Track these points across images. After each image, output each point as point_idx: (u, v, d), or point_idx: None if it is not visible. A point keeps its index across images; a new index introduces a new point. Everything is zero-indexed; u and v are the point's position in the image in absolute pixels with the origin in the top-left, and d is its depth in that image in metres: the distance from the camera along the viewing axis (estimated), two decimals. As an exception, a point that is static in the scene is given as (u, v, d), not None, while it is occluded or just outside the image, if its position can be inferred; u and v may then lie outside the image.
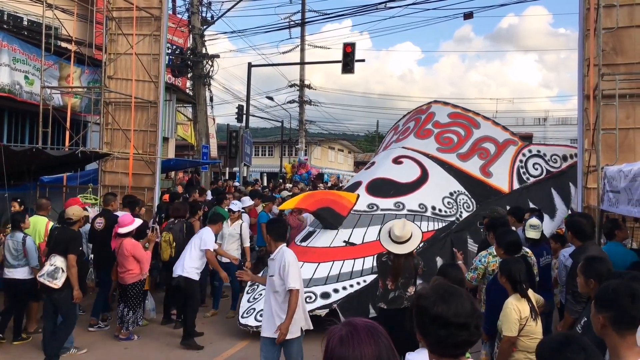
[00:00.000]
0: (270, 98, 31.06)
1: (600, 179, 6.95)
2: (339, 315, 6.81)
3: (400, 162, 9.61)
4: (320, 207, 8.16)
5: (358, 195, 8.61)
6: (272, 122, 38.39)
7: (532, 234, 6.05)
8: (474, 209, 8.96)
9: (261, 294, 7.15)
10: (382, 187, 8.94)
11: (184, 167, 19.31)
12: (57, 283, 5.89)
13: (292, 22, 23.44)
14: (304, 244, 8.15)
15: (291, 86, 29.93)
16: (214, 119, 26.90)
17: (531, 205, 8.54)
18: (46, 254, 6.23)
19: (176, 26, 19.06)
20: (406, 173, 9.27)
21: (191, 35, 18.12)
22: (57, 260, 5.99)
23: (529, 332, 3.95)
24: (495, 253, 5.28)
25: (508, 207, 7.88)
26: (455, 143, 9.94)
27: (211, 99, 19.54)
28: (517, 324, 3.93)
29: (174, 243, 7.78)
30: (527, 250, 5.43)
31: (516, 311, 3.95)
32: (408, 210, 8.46)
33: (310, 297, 6.99)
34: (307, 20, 25.53)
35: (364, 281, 7.34)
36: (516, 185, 9.48)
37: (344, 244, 7.89)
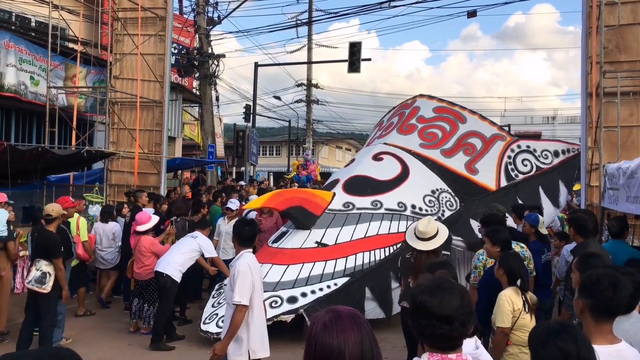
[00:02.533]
0: (278, 98, 31.10)
1: (602, 176, 6.94)
2: (305, 321, 6.31)
3: (381, 159, 9.13)
4: (291, 206, 7.73)
5: (334, 194, 8.22)
6: (279, 122, 38.46)
7: (544, 230, 6.14)
8: (458, 207, 8.51)
9: (226, 298, 6.94)
10: (359, 185, 8.49)
11: (189, 167, 19.41)
12: (46, 288, 5.87)
13: (299, 21, 23.46)
14: (275, 245, 7.76)
15: (298, 85, 29.96)
16: (220, 119, 26.99)
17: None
18: (31, 258, 6.16)
19: (182, 26, 19.17)
20: (386, 170, 8.80)
21: (197, 35, 18.20)
22: (43, 265, 5.93)
23: (523, 326, 3.95)
24: None
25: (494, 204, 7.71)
26: (439, 138, 9.45)
27: (217, 99, 19.65)
28: (510, 315, 3.94)
29: (176, 240, 7.87)
30: (522, 245, 5.43)
31: (509, 302, 3.97)
32: (386, 209, 8.06)
33: (276, 302, 6.61)
34: (314, 19, 25.53)
35: (335, 284, 6.94)
36: (504, 183, 9.01)
37: (316, 245, 7.46)
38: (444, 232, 5.10)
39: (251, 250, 4.33)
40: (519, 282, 4.08)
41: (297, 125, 37.93)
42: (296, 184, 20.06)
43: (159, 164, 11.56)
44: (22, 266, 7.91)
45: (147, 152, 11.51)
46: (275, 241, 7.88)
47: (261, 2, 69.35)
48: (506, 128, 24.87)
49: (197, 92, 19.49)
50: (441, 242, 5.06)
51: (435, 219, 8.01)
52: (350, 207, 8.08)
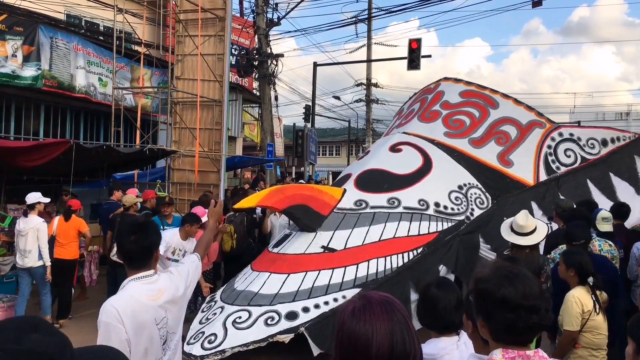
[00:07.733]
0: (337, 97, 31.10)
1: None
2: (308, 341, 5.42)
3: (399, 150, 7.97)
4: (293, 205, 6.72)
5: (344, 190, 7.19)
6: (339, 122, 38.49)
7: (605, 227, 5.65)
8: (489, 205, 7.32)
9: (215, 314, 5.84)
10: (374, 180, 7.38)
11: (248, 165, 19.68)
12: None
13: (357, 19, 23.31)
14: (275, 250, 6.75)
15: (358, 85, 29.85)
16: (279, 119, 27.26)
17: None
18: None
19: (242, 27, 19.46)
20: (405, 163, 7.67)
21: (256, 36, 18.44)
22: None
23: (593, 327, 3.67)
24: None
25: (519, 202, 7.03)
26: (467, 126, 8.22)
27: (276, 98, 19.83)
28: (579, 318, 3.65)
29: (235, 234, 8.04)
30: (611, 243, 5.10)
31: (578, 304, 3.67)
32: (405, 208, 6.92)
33: (273, 318, 5.59)
34: (373, 16, 25.32)
35: (343, 297, 5.78)
36: (543, 176, 7.78)
37: (322, 250, 6.40)
38: (543, 227, 4.78)
39: (151, 272, 2.65)
40: (590, 279, 3.77)
41: (356, 125, 37.85)
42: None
43: (218, 162, 11.76)
44: (90, 260, 8.83)
45: (207, 151, 11.75)
46: (276, 245, 6.94)
47: (320, 1, 69.58)
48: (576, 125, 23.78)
49: (257, 93, 19.75)
50: (542, 237, 4.71)
51: (463, 219, 7.07)
52: (363, 205, 6.99)
